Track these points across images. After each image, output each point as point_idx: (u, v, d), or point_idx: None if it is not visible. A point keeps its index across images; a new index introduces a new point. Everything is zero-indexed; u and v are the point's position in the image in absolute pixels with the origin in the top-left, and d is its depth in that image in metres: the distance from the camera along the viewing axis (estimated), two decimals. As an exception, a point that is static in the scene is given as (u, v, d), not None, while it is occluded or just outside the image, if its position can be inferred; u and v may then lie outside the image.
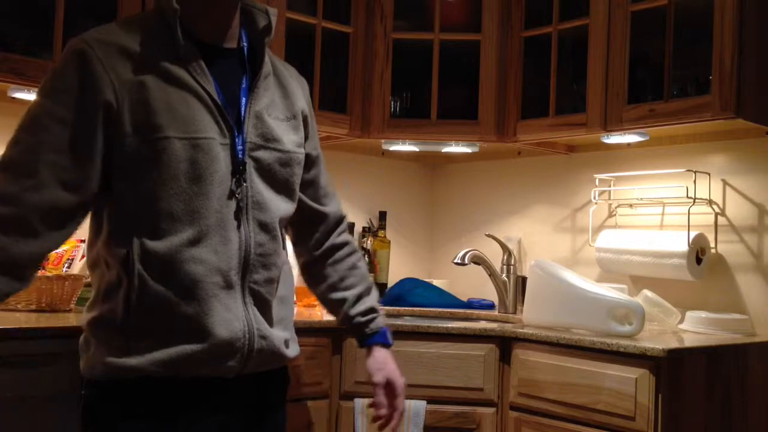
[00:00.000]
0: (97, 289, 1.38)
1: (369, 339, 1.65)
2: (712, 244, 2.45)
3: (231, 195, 1.36)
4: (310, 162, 1.57)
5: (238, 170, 1.36)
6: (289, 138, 1.47)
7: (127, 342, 1.32)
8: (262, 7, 1.51)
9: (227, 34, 1.45)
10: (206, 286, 1.33)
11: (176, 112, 1.32)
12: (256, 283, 1.39)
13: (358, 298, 1.65)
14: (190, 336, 1.32)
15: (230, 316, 1.35)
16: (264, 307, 1.41)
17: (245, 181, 1.37)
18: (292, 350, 1.50)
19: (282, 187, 1.45)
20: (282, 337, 1.45)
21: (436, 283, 2.97)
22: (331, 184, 1.68)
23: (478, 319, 2.72)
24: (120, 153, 1.31)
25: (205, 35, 1.42)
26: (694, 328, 2.30)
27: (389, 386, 1.65)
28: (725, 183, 2.46)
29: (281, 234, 1.47)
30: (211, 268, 1.33)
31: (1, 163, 1.30)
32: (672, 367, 1.91)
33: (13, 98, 2.24)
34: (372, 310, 1.66)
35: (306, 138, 1.55)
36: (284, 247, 1.52)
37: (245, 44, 1.48)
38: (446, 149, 2.90)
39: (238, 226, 1.37)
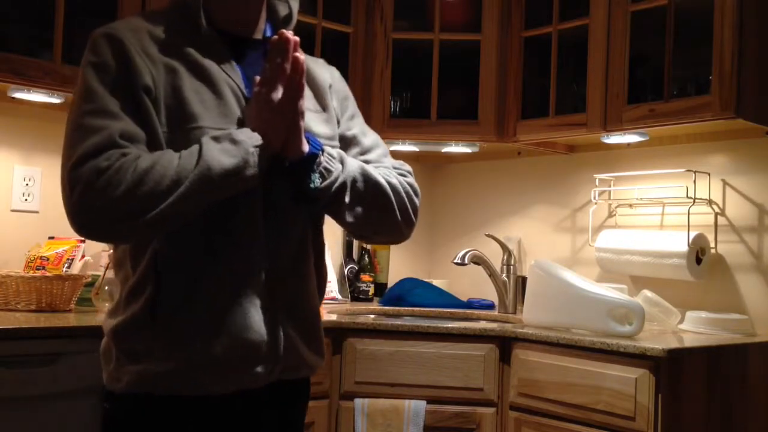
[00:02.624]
0: (120, 293, 1.32)
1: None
2: (712, 244, 2.44)
3: (259, 190, 1.30)
4: (346, 143, 1.46)
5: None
6: (319, 129, 1.40)
7: (152, 346, 1.26)
8: None
9: (253, 27, 1.41)
10: (234, 283, 1.27)
11: (207, 102, 1.28)
12: (283, 281, 1.33)
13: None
14: (217, 335, 1.26)
15: (257, 315, 1.29)
16: (290, 308, 1.35)
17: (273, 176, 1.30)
18: (317, 357, 1.43)
19: None
20: (306, 341, 1.38)
21: (436, 283, 2.97)
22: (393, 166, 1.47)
23: (478, 319, 2.72)
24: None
25: (231, 27, 1.38)
26: (694, 328, 2.30)
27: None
28: (725, 183, 2.46)
29: (313, 233, 1.41)
30: (239, 264, 1.28)
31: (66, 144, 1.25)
32: (672, 367, 1.91)
33: (13, 98, 2.24)
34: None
35: (338, 124, 1.47)
36: (319, 248, 1.44)
37: (269, 36, 1.41)
38: (446, 149, 2.90)
39: (267, 222, 1.31)
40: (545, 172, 2.99)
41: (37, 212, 2.42)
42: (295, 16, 1.46)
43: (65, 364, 1.80)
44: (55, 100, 2.26)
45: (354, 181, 1.34)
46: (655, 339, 2.05)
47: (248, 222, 1.30)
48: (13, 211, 2.37)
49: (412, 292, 2.84)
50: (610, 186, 2.72)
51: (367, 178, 1.36)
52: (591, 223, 2.75)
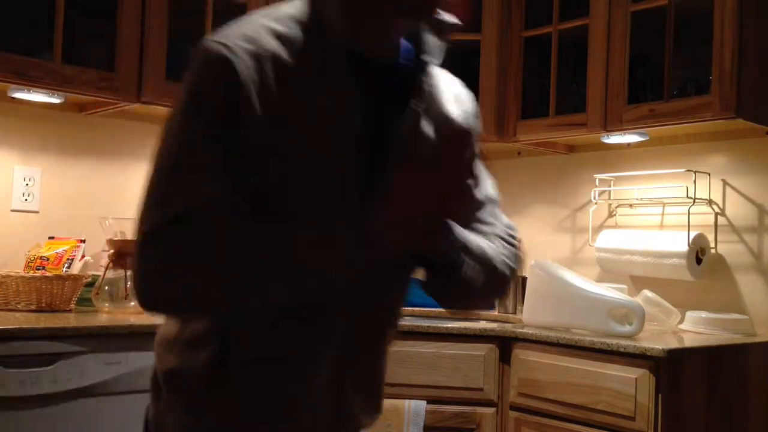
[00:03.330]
0: (180, 331, 1.18)
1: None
2: (712, 244, 2.44)
3: None
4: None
5: None
6: None
7: (206, 400, 1.14)
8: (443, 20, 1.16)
9: (391, 52, 1.15)
10: (305, 352, 1.13)
11: (322, 167, 1.07)
12: (358, 351, 1.19)
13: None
14: (276, 402, 1.14)
15: (322, 385, 1.16)
16: (359, 375, 1.22)
17: None
18: (375, 416, 1.30)
19: None
20: (368, 407, 1.26)
21: (436, 283, 2.96)
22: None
23: (478, 319, 2.72)
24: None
25: (369, 50, 1.11)
26: (694, 328, 2.30)
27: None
28: (725, 183, 2.46)
29: (400, 300, 1.28)
30: (313, 336, 1.13)
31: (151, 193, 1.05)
32: (672, 367, 1.91)
33: (13, 98, 2.24)
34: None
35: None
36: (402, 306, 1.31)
37: (406, 60, 1.15)
38: (446, 149, 2.90)
39: (357, 293, 1.13)
40: (545, 172, 2.99)
41: (37, 212, 2.42)
42: (438, 49, 1.16)
43: (65, 364, 1.80)
44: (55, 100, 2.27)
45: (473, 271, 1.15)
46: (655, 339, 2.06)
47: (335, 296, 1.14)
48: (13, 211, 2.38)
49: (412, 292, 2.84)
50: (610, 186, 2.72)
51: (486, 267, 1.18)
52: (591, 223, 2.75)
